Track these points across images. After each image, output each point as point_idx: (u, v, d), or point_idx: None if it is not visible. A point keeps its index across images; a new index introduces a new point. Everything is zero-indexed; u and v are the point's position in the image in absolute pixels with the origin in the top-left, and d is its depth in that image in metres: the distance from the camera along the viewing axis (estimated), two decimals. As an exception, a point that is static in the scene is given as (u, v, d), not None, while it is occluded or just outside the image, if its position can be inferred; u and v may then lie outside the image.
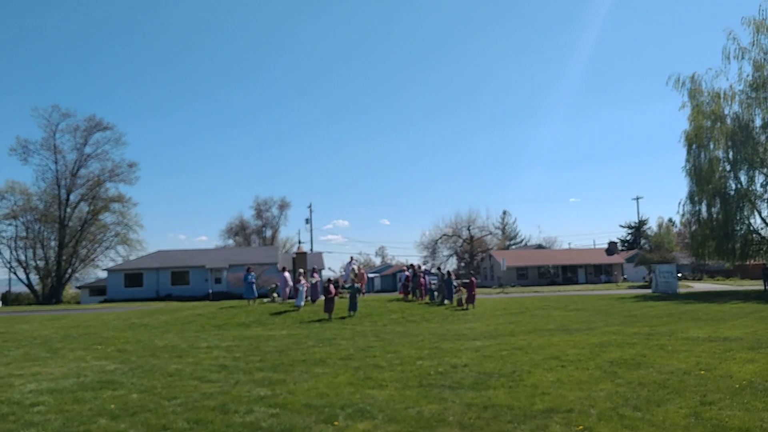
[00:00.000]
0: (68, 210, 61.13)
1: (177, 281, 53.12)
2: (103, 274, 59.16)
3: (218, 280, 53.14)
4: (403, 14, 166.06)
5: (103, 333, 19.08)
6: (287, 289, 27.32)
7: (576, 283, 69.75)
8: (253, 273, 28.21)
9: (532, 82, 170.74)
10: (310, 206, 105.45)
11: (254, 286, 27.78)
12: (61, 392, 9.01)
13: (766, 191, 40.24)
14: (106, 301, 51.11)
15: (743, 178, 39.99)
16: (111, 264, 61.02)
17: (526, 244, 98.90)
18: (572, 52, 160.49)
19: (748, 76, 39.61)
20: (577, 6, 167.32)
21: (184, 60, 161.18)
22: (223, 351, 13.68)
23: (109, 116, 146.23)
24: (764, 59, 38.84)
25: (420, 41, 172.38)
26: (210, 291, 50.89)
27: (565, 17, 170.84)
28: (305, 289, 24.92)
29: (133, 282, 52.90)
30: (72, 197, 61.56)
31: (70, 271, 62.42)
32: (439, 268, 36.72)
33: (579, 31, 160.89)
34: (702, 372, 9.42)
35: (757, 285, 45.07)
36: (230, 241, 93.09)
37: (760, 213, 40.48)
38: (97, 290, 61.07)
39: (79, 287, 67.02)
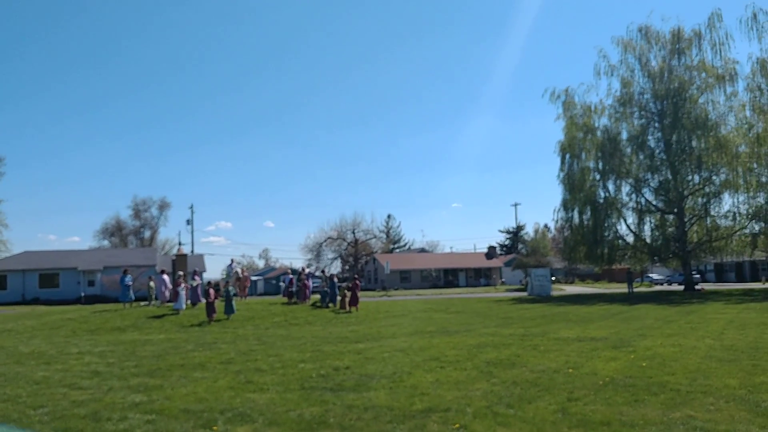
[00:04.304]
0: None
1: (45, 284, 50.15)
2: (-39, 276, 55.03)
3: (91, 283, 50.65)
4: (300, 30, 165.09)
5: (-40, 339, 17.75)
6: (166, 292, 26.45)
7: (457, 286, 71.79)
8: (129, 275, 27.13)
9: (417, 94, 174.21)
10: (191, 207, 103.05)
11: (131, 289, 26.73)
12: None
13: (631, 200, 43.26)
14: (-36, 305, 47.55)
15: (611, 187, 42.81)
16: (-29, 265, 56.81)
17: (409, 248, 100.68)
18: (455, 64, 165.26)
19: (616, 91, 42.63)
20: (463, 19, 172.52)
21: (63, 59, 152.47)
22: (96, 357, 13.08)
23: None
24: (631, 77, 41.82)
25: (312, 61, 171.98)
26: (82, 294, 48.43)
27: (451, 30, 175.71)
28: (185, 292, 24.24)
29: (-5, 285, 49.51)
30: (-73, 193, 56.94)
31: None
32: (323, 271, 36.79)
33: (461, 45, 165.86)
34: (570, 370, 9.95)
35: (622, 288, 48.12)
36: (105, 242, 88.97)
37: (625, 220, 43.39)
38: (-46, 293, 56.64)
39: (-67, 290, 61.95)
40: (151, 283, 27.51)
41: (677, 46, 40.12)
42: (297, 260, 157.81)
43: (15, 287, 49.58)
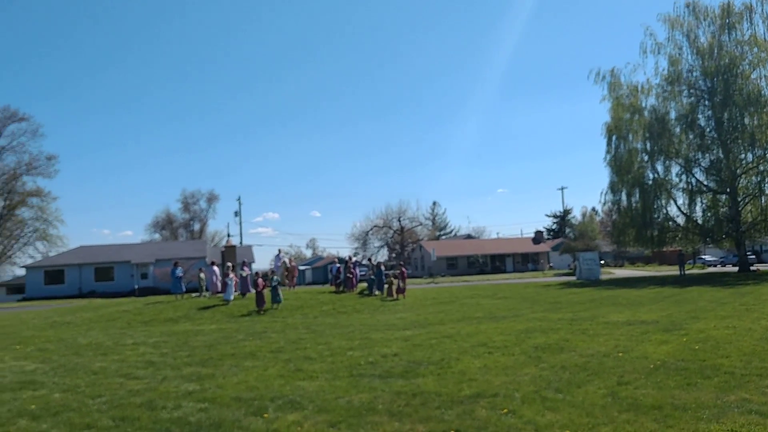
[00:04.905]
0: (-18, 205, 58.48)
1: (101, 277, 51.59)
2: (22, 272, 56.97)
3: (144, 276, 51.91)
4: (337, 21, 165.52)
5: (22, 332, 18.40)
6: (218, 283, 26.92)
7: (504, 271, 71.25)
8: (180, 267, 27.66)
9: (461, 81, 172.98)
10: (239, 199, 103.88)
11: (182, 281, 27.28)
12: (-23, 394, 8.68)
13: (680, 181, 42.16)
14: (24, 299, 49.17)
15: (660, 168, 41.78)
16: (30, 261, 58.65)
17: (455, 235, 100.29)
18: (498, 50, 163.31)
19: (663, 70, 41.51)
20: (503, 3, 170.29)
21: (111, 54, 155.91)
22: (150, 347, 13.42)
23: (28, 108, 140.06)
24: (679, 54, 40.66)
25: (352, 48, 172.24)
26: (136, 286, 49.69)
27: (492, 15, 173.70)
28: (234, 282, 24.64)
29: (53, 279, 51.08)
30: (-14, 192, 58.93)
31: (-16, 269, 59.83)
32: (369, 260, 36.94)
33: (504, 30, 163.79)
34: (620, 354, 9.83)
35: (673, 270, 47.12)
36: (156, 236, 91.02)
37: (675, 201, 42.35)
38: (15, 288, 58.73)
39: (-5, 286, 64.32)
40: (202, 275, 28.01)
41: (727, 21, 38.80)
42: (344, 249, 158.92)
43: (72, 281, 51.13)
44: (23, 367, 11.12)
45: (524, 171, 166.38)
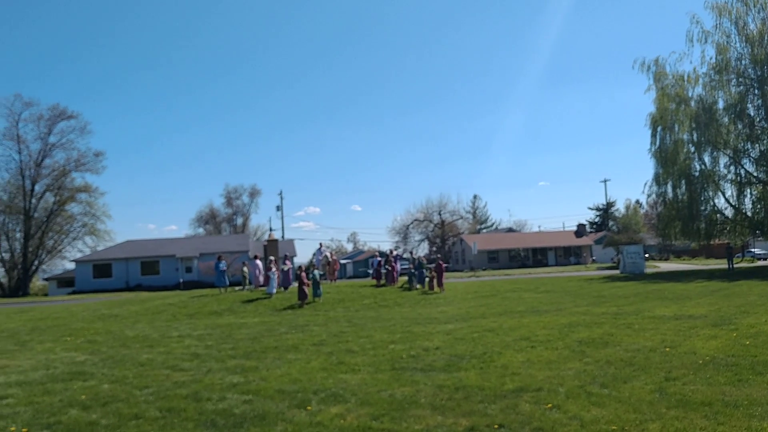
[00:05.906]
0: (33, 201, 59.99)
1: (147, 271, 52.64)
2: (71, 266, 58.39)
3: (189, 269, 52.76)
4: (377, 12, 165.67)
5: (72, 324, 18.85)
6: (260, 277, 27.19)
7: (546, 265, 70.51)
8: (224, 261, 28.01)
9: (500, 72, 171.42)
10: (280, 193, 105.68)
11: (226, 275, 27.62)
12: (30, 384, 8.91)
13: (729, 172, 40.99)
14: (74, 292, 50.44)
15: (707, 159, 40.71)
16: (79, 255, 60.10)
17: (496, 228, 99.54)
18: (540, 41, 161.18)
19: (711, 59, 40.34)
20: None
21: (156, 52, 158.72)
22: (195, 340, 13.63)
23: (75, 105, 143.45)
24: (727, 42, 39.49)
25: (391, 39, 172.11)
26: (181, 280, 50.50)
27: (531, 6, 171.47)
28: (277, 276, 24.87)
29: (101, 273, 52.28)
30: (37, 188, 60.45)
31: (36, 263, 61.43)
32: (411, 253, 36.88)
33: (544, 19, 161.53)
34: (667, 349, 9.63)
35: (721, 264, 45.99)
36: (200, 230, 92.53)
37: (723, 193, 41.23)
38: (65, 282, 60.19)
39: (46, 279, 65.96)
40: (245, 269, 28.35)
41: (778, 6, 37.63)
42: (385, 243, 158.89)
43: (119, 274, 52.26)
44: (74, 359, 11.38)
45: (566, 163, 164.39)
